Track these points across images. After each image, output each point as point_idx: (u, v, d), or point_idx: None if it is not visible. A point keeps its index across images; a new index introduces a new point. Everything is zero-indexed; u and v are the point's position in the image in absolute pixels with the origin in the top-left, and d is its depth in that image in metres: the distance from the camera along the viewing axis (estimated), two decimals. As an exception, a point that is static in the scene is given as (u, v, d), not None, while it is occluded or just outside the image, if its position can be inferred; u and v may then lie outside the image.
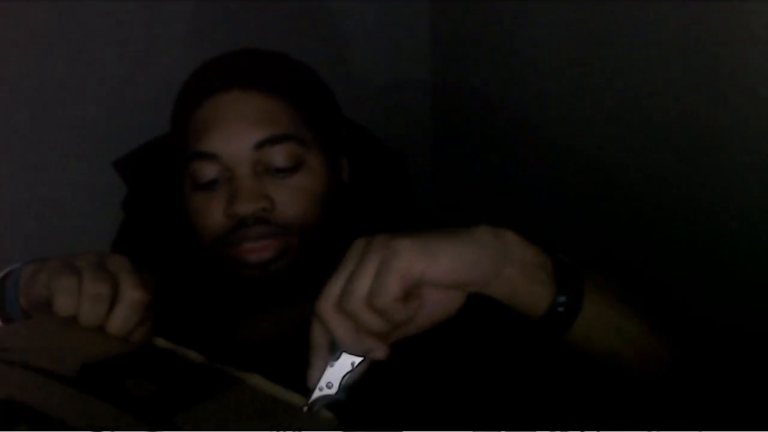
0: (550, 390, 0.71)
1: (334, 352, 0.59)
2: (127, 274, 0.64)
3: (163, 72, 1.18)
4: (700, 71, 0.90)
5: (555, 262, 0.61)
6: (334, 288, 0.57)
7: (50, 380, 0.55)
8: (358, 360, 0.59)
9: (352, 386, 0.59)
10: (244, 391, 0.58)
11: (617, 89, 1.03)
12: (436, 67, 1.41)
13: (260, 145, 0.78)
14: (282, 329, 0.79)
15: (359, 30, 1.35)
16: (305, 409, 0.57)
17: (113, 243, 0.94)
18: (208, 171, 0.79)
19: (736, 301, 0.88)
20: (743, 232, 0.88)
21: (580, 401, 0.68)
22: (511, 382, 0.72)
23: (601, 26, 1.04)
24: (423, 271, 0.56)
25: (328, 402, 0.58)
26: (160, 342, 0.65)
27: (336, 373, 0.58)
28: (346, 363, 0.59)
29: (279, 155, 0.79)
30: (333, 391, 0.58)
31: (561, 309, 0.60)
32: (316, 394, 0.58)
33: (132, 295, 0.63)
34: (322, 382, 0.58)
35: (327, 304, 0.57)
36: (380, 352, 0.58)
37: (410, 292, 0.58)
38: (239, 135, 0.79)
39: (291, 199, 0.79)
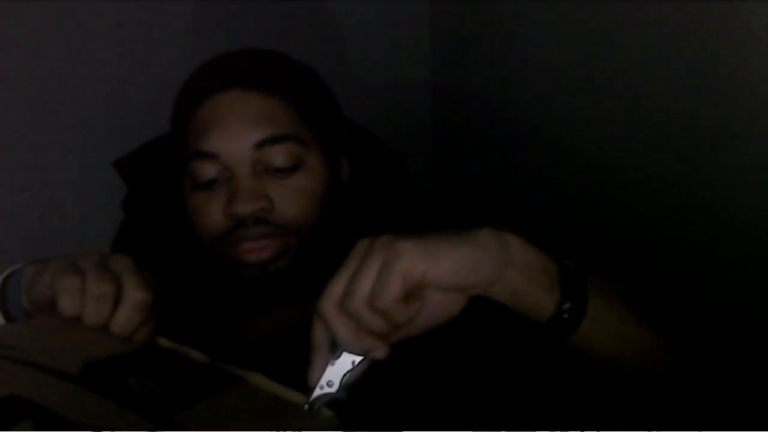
0: (549, 390, 0.71)
1: (334, 351, 0.59)
2: (130, 275, 0.65)
3: (163, 72, 1.18)
4: (700, 71, 0.90)
5: (559, 267, 0.61)
6: (336, 287, 0.58)
7: (54, 378, 0.55)
8: (358, 359, 0.59)
9: (352, 385, 0.59)
10: (246, 389, 0.58)
11: (617, 89, 1.03)
12: (436, 67, 1.41)
13: (260, 145, 0.78)
14: (281, 329, 0.79)
15: (359, 30, 1.35)
16: (306, 407, 0.58)
17: (113, 243, 0.94)
18: (208, 170, 0.79)
19: (736, 301, 0.88)
20: (743, 232, 0.88)
21: (580, 401, 0.68)
22: (510, 382, 0.72)
23: (601, 26, 1.04)
24: (424, 273, 0.57)
25: (329, 400, 0.58)
26: (163, 341, 0.65)
27: (337, 371, 0.59)
28: (346, 362, 0.59)
29: (279, 155, 0.79)
30: (334, 389, 0.58)
31: (566, 316, 0.60)
32: (317, 392, 0.58)
33: (135, 295, 0.64)
34: (323, 381, 0.59)
35: (329, 303, 0.58)
36: (380, 352, 0.58)
37: (412, 294, 0.58)
38: (239, 135, 0.79)
39: (290, 199, 0.79)
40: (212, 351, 0.63)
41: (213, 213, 0.79)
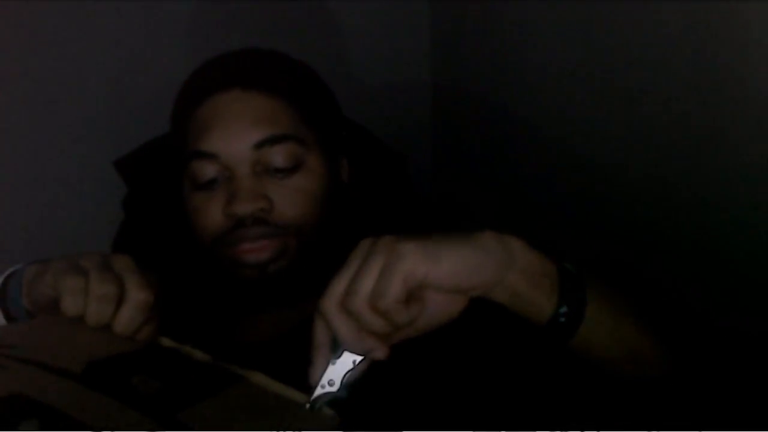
0: (549, 390, 0.71)
1: (336, 350, 0.59)
2: (132, 275, 0.65)
3: (163, 72, 1.17)
4: (700, 71, 0.90)
5: (559, 271, 0.61)
6: (338, 287, 0.58)
7: (57, 377, 0.55)
8: (359, 359, 0.59)
9: (353, 384, 0.59)
10: (247, 388, 0.58)
11: (617, 89, 1.03)
12: (436, 67, 1.41)
13: (260, 145, 0.78)
14: (281, 329, 0.79)
15: (359, 30, 1.35)
16: (307, 406, 0.58)
17: (113, 243, 0.94)
18: (208, 170, 0.79)
19: (736, 301, 0.88)
20: (743, 232, 0.88)
21: (579, 402, 0.68)
22: (510, 383, 0.72)
23: (601, 26, 1.04)
24: (426, 274, 0.57)
25: (330, 399, 0.58)
26: (165, 341, 0.65)
27: (338, 371, 0.59)
28: (347, 361, 0.59)
29: (278, 155, 0.79)
30: (335, 388, 0.59)
31: (563, 319, 0.61)
32: (318, 391, 0.58)
33: (138, 295, 0.64)
34: (324, 380, 0.59)
35: (330, 302, 0.58)
36: (380, 353, 0.58)
37: (413, 296, 0.58)
38: (239, 135, 0.79)
39: (290, 199, 0.79)
40: (212, 351, 0.63)
41: (213, 213, 0.79)
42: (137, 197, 0.94)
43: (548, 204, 1.19)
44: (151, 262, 0.69)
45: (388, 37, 1.38)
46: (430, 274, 0.57)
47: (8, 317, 0.73)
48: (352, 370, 0.59)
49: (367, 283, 0.57)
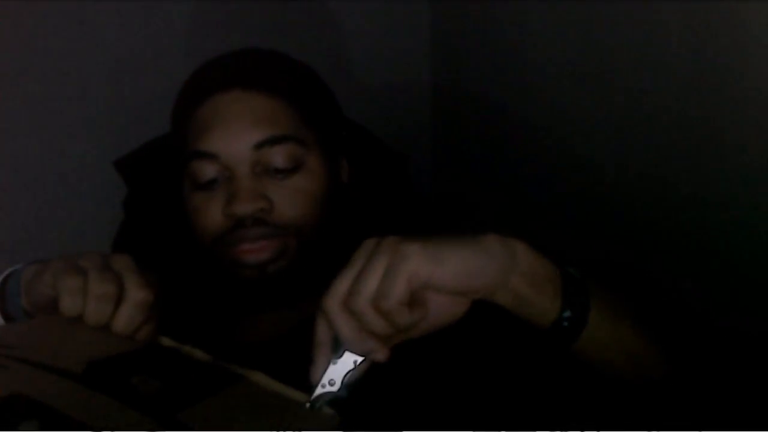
0: (548, 392, 0.71)
1: (337, 349, 0.59)
2: (131, 274, 0.65)
3: (163, 72, 1.18)
4: (700, 71, 0.90)
5: (563, 275, 0.61)
6: (342, 286, 0.58)
7: (56, 377, 0.55)
8: (360, 359, 0.59)
9: (353, 384, 0.59)
10: (247, 388, 0.58)
11: (617, 89, 1.03)
12: (436, 67, 1.41)
13: (260, 146, 0.78)
14: (281, 330, 0.79)
15: (359, 30, 1.35)
16: (307, 405, 0.58)
17: (113, 243, 0.94)
18: (208, 170, 0.79)
19: (736, 301, 0.88)
20: (743, 232, 0.88)
21: (579, 404, 0.68)
22: (510, 384, 0.72)
23: (601, 26, 1.04)
24: (430, 276, 0.57)
25: (330, 399, 0.58)
26: (165, 341, 0.65)
27: (339, 370, 0.59)
28: (348, 361, 0.59)
29: (278, 156, 0.79)
30: (335, 388, 0.59)
31: (566, 324, 0.61)
32: (319, 390, 0.58)
33: (137, 294, 0.64)
34: (325, 379, 0.59)
35: (333, 301, 0.58)
36: (380, 355, 0.58)
37: (416, 299, 0.58)
38: (239, 135, 0.78)
39: (290, 200, 0.79)
40: (212, 351, 0.63)
41: (212, 213, 0.79)
42: (137, 197, 0.94)
43: (548, 204, 1.19)
44: (151, 262, 0.69)
45: (388, 37, 1.37)
46: (433, 275, 0.57)
47: (7, 317, 0.73)
48: (352, 370, 0.59)
49: (371, 283, 0.57)
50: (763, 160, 0.84)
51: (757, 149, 0.85)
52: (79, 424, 0.49)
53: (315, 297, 0.60)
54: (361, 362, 0.59)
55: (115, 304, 0.63)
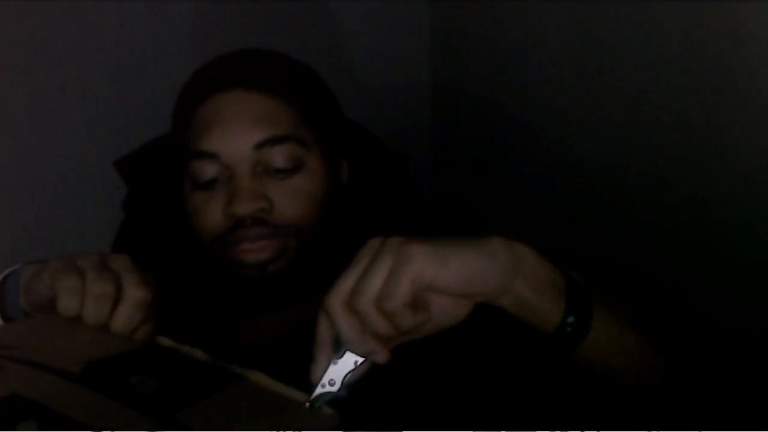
0: (549, 393, 0.71)
1: (338, 349, 0.59)
2: (129, 274, 0.65)
3: (163, 72, 1.18)
4: (700, 71, 0.90)
5: (567, 280, 0.61)
6: (345, 285, 0.58)
7: (55, 377, 0.55)
8: (360, 359, 0.59)
9: (354, 384, 0.59)
10: (247, 387, 0.58)
11: (617, 89, 1.03)
12: (436, 67, 1.41)
13: (260, 146, 0.78)
14: (281, 330, 0.79)
15: (359, 30, 1.35)
16: (307, 405, 0.58)
17: (113, 243, 0.94)
18: (208, 170, 0.79)
19: (736, 301, 0.88)
20: (743, 232, 0.88)
21: (579, 405, 0.68)
22: (510, 386, 0.72)
23: (601, 26, 1.04)
24: (434, 277, 0.57)
25: (330, 399, 0.58)
26: (163, 340, 0.65)
27: (339, 370, 0.59)
28: (349, 361, 0.59)
29: (279, 156, 0.79)
30: (335, 388, 0.58)
31: (569, 329, 0.61)
32: (319, 390, 0.58)
33: (135, 294, 0.64)
34: (325, 379, 0.59)
35: (336, 300, 0.57)
36: (381, 357, 0.58)
37: (420, 302, 0.58)
38: (239, 135, 0.79)
39: (290, 200, 0.79)
40: (212, 351, 0.63)
41: (212, 213, 0.79)
42: (137, 197, 0.94)
43: (548, 204, 1.19)
44: (151, 262, 0.69)
45: (388, 37, 1.37)
46: (438, 277, 0.57)
47: (6, 317, 0.73)
48: (353, 370, 0.59)
49: (375, 283, 0.56)
50: (763, 160, 0.84)
51: (757, 149, 0.85)
52: (78, 425, 0.49)
53: (315, 297, 0.60)
54: (361, 363, 0.59)
55: (113, 303, 0.63)
